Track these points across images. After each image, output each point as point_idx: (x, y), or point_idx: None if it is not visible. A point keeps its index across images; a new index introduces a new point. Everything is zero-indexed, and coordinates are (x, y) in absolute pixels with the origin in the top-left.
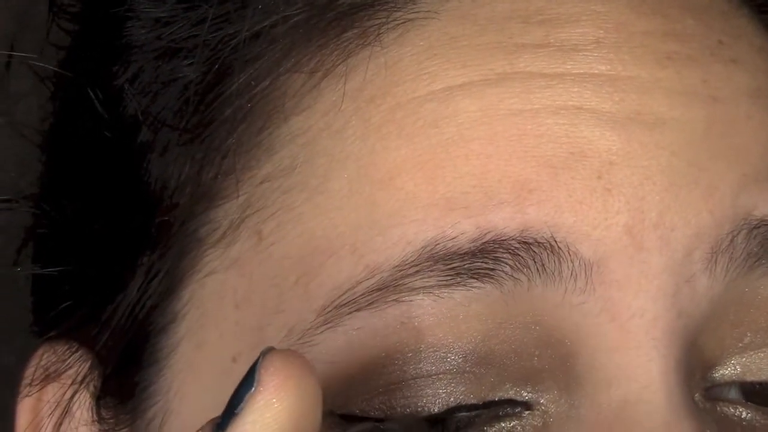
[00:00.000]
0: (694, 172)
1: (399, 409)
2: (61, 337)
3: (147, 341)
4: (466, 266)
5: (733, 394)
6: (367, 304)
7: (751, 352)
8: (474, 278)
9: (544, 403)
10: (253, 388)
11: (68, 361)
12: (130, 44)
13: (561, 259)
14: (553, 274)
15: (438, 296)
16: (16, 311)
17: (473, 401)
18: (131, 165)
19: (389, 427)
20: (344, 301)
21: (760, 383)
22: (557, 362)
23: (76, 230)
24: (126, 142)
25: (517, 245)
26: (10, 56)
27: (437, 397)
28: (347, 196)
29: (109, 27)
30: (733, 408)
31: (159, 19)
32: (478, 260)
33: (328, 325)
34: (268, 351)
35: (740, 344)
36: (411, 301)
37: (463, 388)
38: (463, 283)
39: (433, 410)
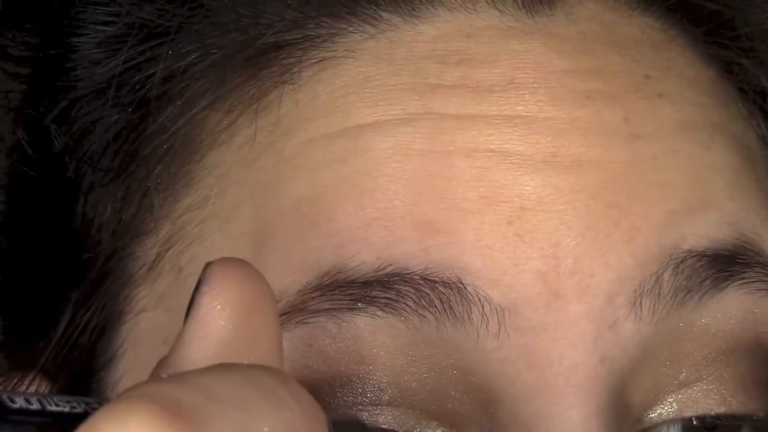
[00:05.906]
0: (614, 215)
1: None
2: (15, 366)
3: (93, 377)
4: (368, 294)
5: None
6: None
7: (687, 388)
8: (376, 307)
9: None
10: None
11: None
12: (62, 85)
13: (470, 303)
14: (462, 317)
15: (341, 320)
16: None
17: (403, 429)
18: (60, 203)
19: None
20: None
21: (699, 417)
22: (480, 407)
23: (11, 265)
24: (55, 181)
25: (421, 281)
26: None
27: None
28: (252, 222)
29: (48, 69)
30: None
31: (93, 59)
32: (380, 290)
33: None
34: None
35: (676, 381)
36: (315, 322)
37: (387, 419)
38: (365, 309)
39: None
